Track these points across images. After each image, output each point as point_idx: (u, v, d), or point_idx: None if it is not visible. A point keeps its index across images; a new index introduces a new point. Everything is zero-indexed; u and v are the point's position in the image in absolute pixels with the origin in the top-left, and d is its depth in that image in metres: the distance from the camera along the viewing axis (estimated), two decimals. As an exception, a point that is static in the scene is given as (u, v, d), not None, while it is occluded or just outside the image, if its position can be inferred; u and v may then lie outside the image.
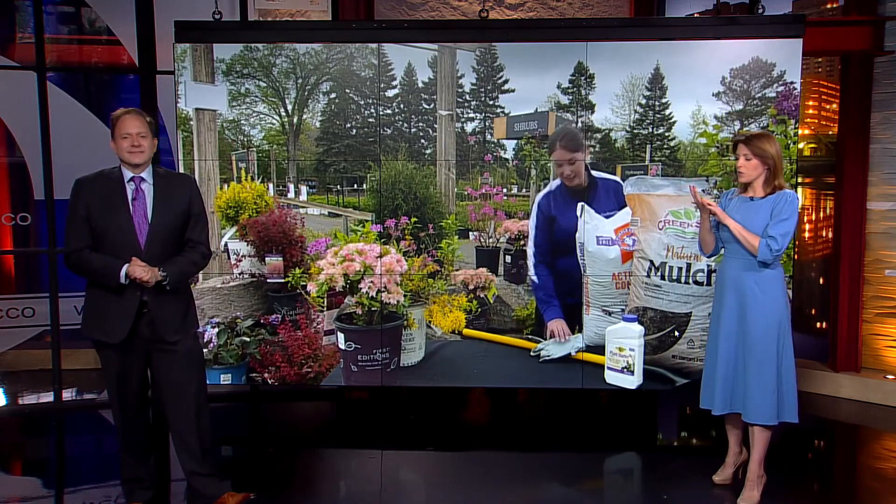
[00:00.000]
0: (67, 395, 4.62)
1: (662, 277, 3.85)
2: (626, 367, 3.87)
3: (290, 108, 4.01)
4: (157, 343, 2.89)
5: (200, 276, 4.01)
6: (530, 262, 3.95)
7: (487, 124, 3.98)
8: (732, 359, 3.10)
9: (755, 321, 3.02)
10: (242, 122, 4.02)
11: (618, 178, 3.91)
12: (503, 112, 3.96)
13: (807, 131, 5.12)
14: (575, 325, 3.96)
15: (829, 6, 5.02)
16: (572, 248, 3.92)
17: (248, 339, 3.99)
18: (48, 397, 4.55)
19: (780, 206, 2.99)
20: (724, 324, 3.12)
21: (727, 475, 3.31)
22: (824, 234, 5.12)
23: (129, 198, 2.83)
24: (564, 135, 3.88)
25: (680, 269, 3.83)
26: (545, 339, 3.97)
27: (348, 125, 4.01)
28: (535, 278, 3.95)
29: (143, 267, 2.75)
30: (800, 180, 4.66)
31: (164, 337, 2.88)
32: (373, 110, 3.98)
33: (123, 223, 2.81)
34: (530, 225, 3.94)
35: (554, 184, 3.93)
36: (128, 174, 2.85)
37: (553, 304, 3.94)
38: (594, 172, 3.90)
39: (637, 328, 3.85)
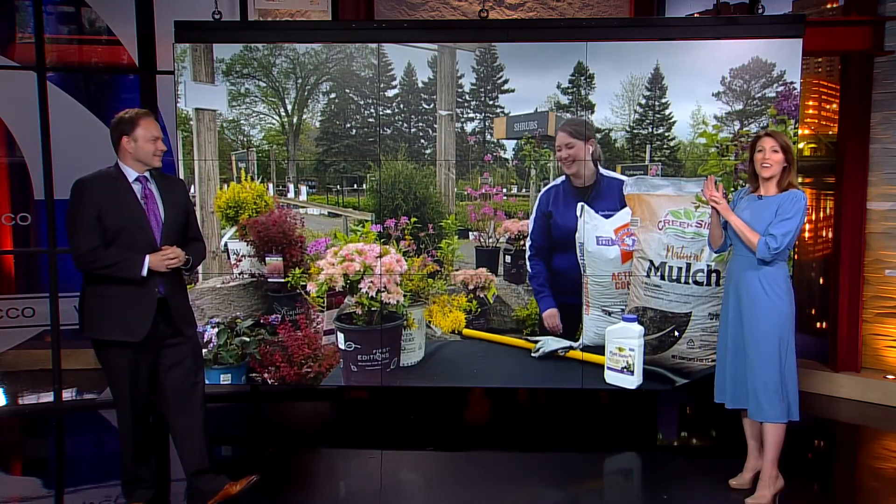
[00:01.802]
0: (67, 395, 4.62)
1: (662, 277, 3.85)
2: (625, 367, 3.86)
3: (289, 108, 4.01)
4: (169, 338, 2.94)
5: (200, 276, 4.01)
6: (527, 253, 3.96)
7: (487, 124, 3.98)
8: (739, 355, 3.12)
9: (757, 319, 3.03)
10: (242, 122, 4.02)
11: (625, 178, 3.90)
12: (503, 112, 3.96)
13: (807, 131, 5.12)
14: (573, 325, 3.96)
15: (829, 6, 5.02)
16: (570, 247, 3.92)
17: (247, 339, 3.99)
18: (48, 397, 4.55)
19: (786, 205, 2.99)
20: (731, 320, 3.15)
21: (745, 480, 3.27)
22: (824, 234, 5.12)
23: (139, 196, 2.87)
24: (568, 121, 3.88)
25: (680, 269, 3.83)
26: (541, 335, 3.97)
27: (348, 125, 4.01)
28: (529, 269, 3.96)
29: (174, 248, 2.84)
30: (800, 180, 4.66)
31: (182, 330, 2.95)
32: (373, 110, 3.98)
33: (141, 221, 2.84)
34: (530, 218, 3.96)
35: (559, 179, 3.94)
36: (132, 174, 2.87)
37: (546, 295, 3.95)
38: (603, 171, 3.90)
39: (637, 328, 3.85)
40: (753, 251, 3.00)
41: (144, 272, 2.79)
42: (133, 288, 2.81)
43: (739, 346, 3.11)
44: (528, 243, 3.96)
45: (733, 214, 3.06)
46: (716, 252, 3.36)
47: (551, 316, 3.95)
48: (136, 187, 2.87)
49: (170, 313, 2.92)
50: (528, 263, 3.96)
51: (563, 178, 3.93)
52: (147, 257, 2.80)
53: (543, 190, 3.95)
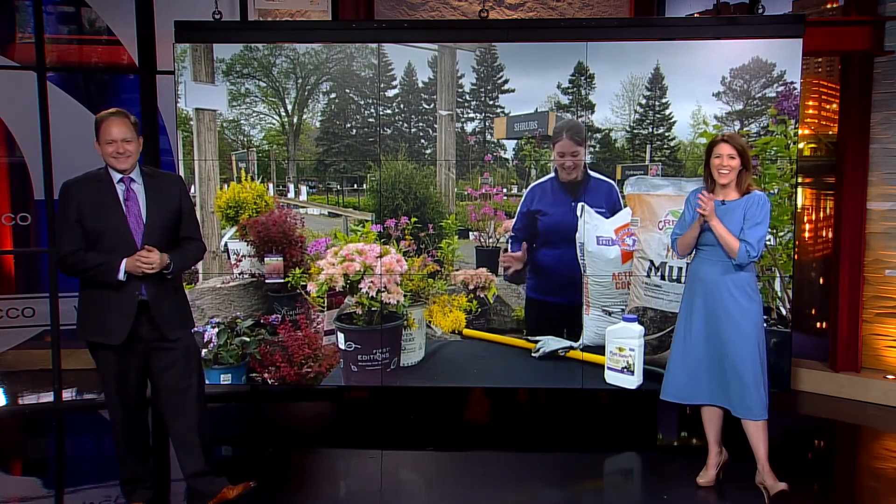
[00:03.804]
0: (67, 395, 4.62)
1: (662, 277, 3.85)
2: (626, 367, 3.87)
3: (290, 108, 4.01)
4: (157, 342, 2.89)
5: (200, 276, 4.01)
6: (508, 240, 3.99)
7: (487, 124, 3.98)
8: (715, 356, 3.13)
9: (740, 321, 3.07)
10: (242, 122, 4.02)
11: (612, 182, 3.91)
12: (503, 112, 3.96)
13: (807, 131, 5.12)
14: (564, 326, 3.97)
15: (829, 6, 5.02)
16: (557, 242, 3.92)
17: (248, 339, 3.99)
18: (48, 397, 4.55)
19: (753, 210, 3.02)
20: (696, 324, 3.15)
21: (710, 477, 3.32)
22: (824, 234, 5.12)
23: (122, 198, 2.84)
24: (571, 126, 3.89)
25: (680, 269, 3.83)
26: (541, 336, 3.98)
27: (348, 125, 4.01)
28: (510, 249, 4.00)
29: (151, 253, 2.76)
30: (800, 180, 4.66)
31: (166, 334, 2.88)
32: (373, 110, 3.98)
33: (119, 224, 2.81)
34: (516, 213, 3.99)
35: (545, 177, 3.94)
36: (116, 175, 2.85)
37: (517, 241, 3.98)
38: (591, 172, 3.91)
39: (637, 328, 3.85)
40: (732, 257, 3.03)
41: (121, 276, 2.76)
42: (114, 291, 2.79)
43: (716, 348, 3.12)
44: (508, 234, 3.96)
45: (720, 223, 3.04)
46: (681, 257, 3.36)
47: (510, 255, 3.96)
48: (120, 188, 2.85)
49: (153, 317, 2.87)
50: (509, 246, 3.98)
51: (550, 175, 3.93)
52: (124, 261, 2.76)
53: (529, 187, 3.95)
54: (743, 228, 3.02)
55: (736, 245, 3.00)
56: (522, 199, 3.96)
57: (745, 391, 3.06)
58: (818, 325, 5.18)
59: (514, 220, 3.98)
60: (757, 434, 3.13)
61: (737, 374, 3.07)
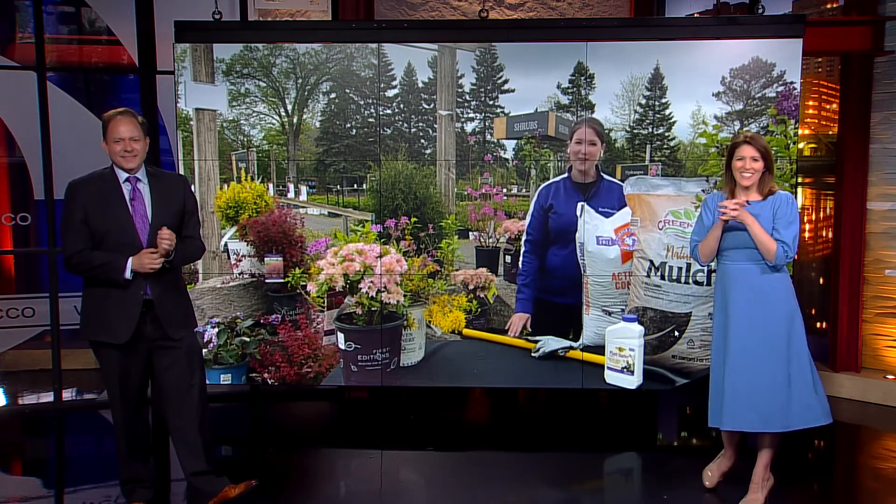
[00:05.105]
0: (67, 395, 4.62)
1: (662, 277, 3.85)
2: (626, 367, 3.86)
3: (290, 108, 4.01)
4: (160, 341, 2.90)
5: (200, 276, 4.01)
6: (522, 248, 3.96)
7: (487, 124, 3.98)
8: (753, 366, 2.96)
9: (786, 324, 2.95)
10: (242, 122, 4.02)
11: (622, 184, 3.91)
12: (503, 112, 3.96)
13: (807, 131, 5.12)
14: (565, 326, 3.96)
15: (829, 6, 5.02)
16: (566, 241, 3.92)
17: (248, 339, 3.99)
18: (48, 397, 4.55)
19: (784, 210, 2.94)
20: (734, 333, 2.99)
21: (714, 479, 3.29)
22: (824, 234, 5.12)
23: (128, 198, 2.84)
24: (593, 119, 3.90)
25: (680, 269, 3.83)
26: (541, 336, 3.98)
27: (348, 125, 4.01)
28: (520, 264, 3.97)
29: (155, 251, 2.77)
30: (800, 180, 4.66)
31: (169, 334, 2.89)
32: (373, 110, 3.98)
33: (125, 223, 2.82)
34: (528, 213, 3.97)
35: (559, 177, 3.94)
36: (122, 175, 2.86)
37: (525, 297, 3.96)
38: (604, 174, 3.91)
39: (637, 328, 3.85)
40: (769, 258, 2.91)
41: (128, 275, 2.77)
42: (119, 290, 2.80)
43: (759, 359, 2.95)
44: (524, 238, 3.96)
45: (755, 222, 2.91)
46: (703, 265, 3.26)
47: (519, 319, 3.97)
48: (126, 188, 2.85)
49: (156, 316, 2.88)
50: (521, 258, 3.96)
51: (564, 175, 3.93)
52: (130, 260, 2.77)
53: (543, 186, 3.95)
54: (776, 228, 2.92)
55: (773, 245, 2.89)
56: (535, 199, 3.95)
57: (793, 398, 2.95)
58: (818, 325, 5.18)
59: (526, 221, 3.96)
60: (769, 442, 3.03)
61: (788, 383, 2.94)
